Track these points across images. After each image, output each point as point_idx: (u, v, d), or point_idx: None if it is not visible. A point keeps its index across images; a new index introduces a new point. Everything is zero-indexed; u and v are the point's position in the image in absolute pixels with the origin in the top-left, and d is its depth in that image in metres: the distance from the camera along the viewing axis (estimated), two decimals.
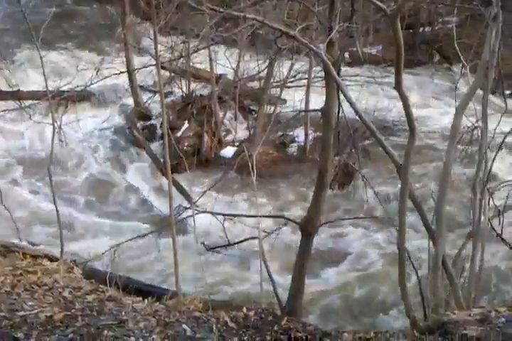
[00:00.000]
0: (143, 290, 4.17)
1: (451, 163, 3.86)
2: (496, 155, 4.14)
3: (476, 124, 4.38)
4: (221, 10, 5.15)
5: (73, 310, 2.71)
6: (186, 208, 5.48)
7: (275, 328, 2.56)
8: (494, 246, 6.13)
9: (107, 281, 3.53)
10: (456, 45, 5.19)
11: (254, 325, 2.59)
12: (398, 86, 3.72)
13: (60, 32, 12.22)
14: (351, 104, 4.38)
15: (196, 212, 5.38)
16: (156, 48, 4.37)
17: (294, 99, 9.66)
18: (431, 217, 3.69)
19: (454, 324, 2.58)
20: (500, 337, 2.38)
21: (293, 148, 9.29)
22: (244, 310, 2.74)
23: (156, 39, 4.42)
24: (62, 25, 12.43)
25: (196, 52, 8.95)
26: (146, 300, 2.84)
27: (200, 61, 10.10)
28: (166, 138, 4.19)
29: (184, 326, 2.52)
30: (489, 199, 5.23)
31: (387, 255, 6.00)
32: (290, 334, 2.53)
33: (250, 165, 4.06)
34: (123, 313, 2.64)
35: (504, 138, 4.31)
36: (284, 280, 5.27)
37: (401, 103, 3.68)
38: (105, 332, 2.48)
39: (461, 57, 4.89)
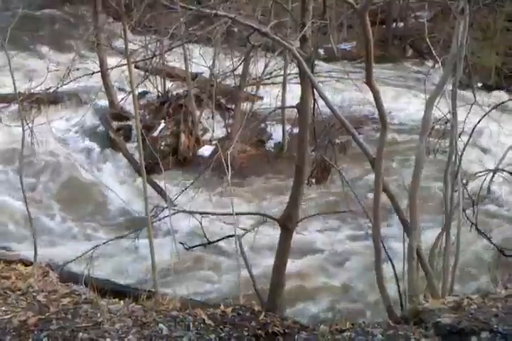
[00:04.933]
0: (120, 292, 4.13)
1: (423, 156, 3.92)
2: (465, 147, 4.21)
3: (446, 117, 4.46)
4: (192, 7, 5.12)
5: (47, 314, 2.67)
6: (164, 208, 5.44)
7: (253, 324, 2.57)
8: (470, 236, 6.28)
9: (84, 284, 3.49)
10: (427, 39, 5.29)
11: (232, 321, 2.59)
12: (369, 80, 3.76)
13: (30, 33, 12.00)
14: (325, 99, 4.40)
15: (173, 211, 5.35)
16: (126, 47, 4.31)
17: (270, 96, 9.69)
18: (405, 209, 3.74)
19: (428, 312, 2.63)
20: (472, 322, 2.43)
21: (270, 145, 9.31)
22: (222, 307, 2.74)
23: (126, 37, 4.36)
24: (32, 26, 12.20)
25: (170, 50, 8.87)
26: (122, 302, 2.81)
27: (174, 60, 10.04)
28: (139, 138, 4.15)
29: (161, 325, 2.51)
30: (463, 190, 5.35)
31: (364, 248, 6.07)
32: (267, 329, 2.54)
33: (225, 164, 4.04)
34: (98, 315, 2.61)
35: (473, 130, 4.39)
36: (265, 277, 5.28)
37: (381, 98, 3.72)
38: (80, 334, 2.45)
39: (433, 51, 4.97)
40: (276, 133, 9.43)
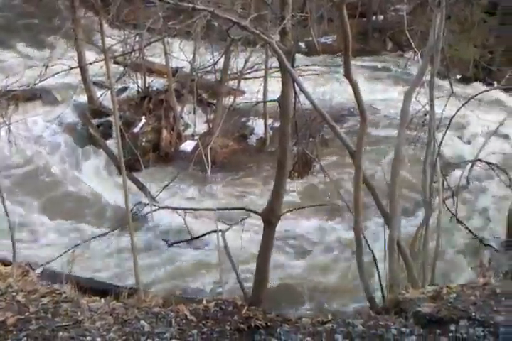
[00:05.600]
0: (102, 290, 4.10)
1: (402, 147, 3.96)
2: (443, 138, 4.26)
3: (424, 108, 4.50)
4: (170, 1, 5.06)
5: (27, 314, 2.63)
6: (146, 204, 5.40)
7: (235, 318, 2.57)
8: (451, 225, 6.38)
9: (64, 283, 3.44)
10: (407, 32, 5.32)
11: (214, 316, 2.58)
12: (347, 73, 3.77)
13: (5, 28, 11.73)
14: (305, 93, 4.40)
15: (155, 208, 5.32)
16: (103, 42, 4.26)
17: (252, 90, 9.66)
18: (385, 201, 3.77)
19: (409, 302, 2.66)
20: (451, 311, 2.46)
21: (253, 139, 9.28)
22: (204, 302, 2.73)
23: (102, 32, 4.31)
24: (7, 21, 11.93)
25: (149, 45, 8.77)
26: (103, 300, 2.79)
27: (154, 54, 9.92)
28: (118, 135, 4.11)
29: (142, 322, 2.50)
30: (443, 181, 5.42)
31: (346, 240, 6.11)
32: (250, 322, 2.54)
33: (205, 159, 4.03)
34: (79, 313, 2.58)
35: (450, 121, 4.44)
36: (249, 271, 5.29)
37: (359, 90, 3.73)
38: (60, 333, 2.43)
39: (412, 44, 5.01)
40: (259, 127, 9.41)
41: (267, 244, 5.13)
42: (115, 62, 10.42)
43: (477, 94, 4.72)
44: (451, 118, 4.41)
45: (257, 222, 5.49)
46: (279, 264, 5.84)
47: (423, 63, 4.13)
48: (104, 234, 5.34)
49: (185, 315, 2.56)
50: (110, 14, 6.98)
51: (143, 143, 8.57)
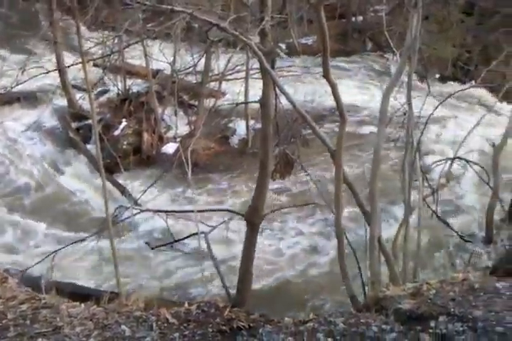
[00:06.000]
0: (83, 294, 4.05)
1: (381, 146, 4.00)
2: (421, 136, 4.32)
3: (403, 108, 4.55)
4: (147, 3, 5.03)
5: (5, 321, 2.58)
6: (127, 208, 5.35)
7: (217, 320, 2.55)
8: (432, 222, 6.46)
9: (45, 288, 3.39)
10: (386, 32, 5.38)
11: (196, 318, 2.57)
12: (326, 74, 3.80)
13: None
14: (284, 94, 4.43)
15: (137, 211, 5.28)
16: (80, 44, 4.21)
17: (234, 91, 9.65)
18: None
19: (389, 299, 2.67)
20: (431, 307, 2.49)
21: (235, 141, 9.28)
22: (186, 305, 2.72)
23: (79, 34, 4.27)
24: None
25: (128, 47, 8.72)
26: (83, 305, 2.75)
27: (134, 57, 9.87)
28: (97, 138, 4.07)
29: (123, 327, 2.47)
30: (423, 179, 5.49)
31: (328, 238, 6.15)
32: (232, 324, 2.54)
33: (185, 161, 4.01)
34: (58, 319, 2.55)
35: (427, 119, 4.51)
36: (232, 272, 5.28)
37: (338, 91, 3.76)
38: (39, 340, 2.39)
39: (391, 44, 5.07)
40: (241, 128, 9.41)
41: (251, 244, 5.13)
42: (95, 65, 10.32)
43: (453, 94, 4.81)
44: (429, 117, 4.48)
45: (241, 223, 5.49)
46: (261, 264, 5.84)
47: (400, 63, 4.18)
48: (85, 239, 5.27)
49: (167, 319, 2.54)
50: (88, 17, 6.90)
51: (124, 146, 8.50)
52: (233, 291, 4.89)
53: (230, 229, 6.23)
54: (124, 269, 5.51)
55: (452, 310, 2.41)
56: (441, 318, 2.38)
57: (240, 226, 5.58)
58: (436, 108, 4.57)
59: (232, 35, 4.63)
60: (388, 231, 5.44)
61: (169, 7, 4.67)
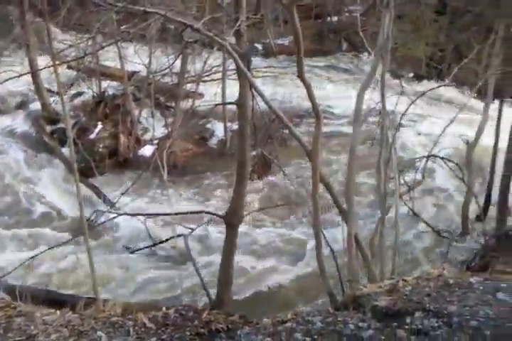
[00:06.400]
0: (59, 301, 3.98)
1: (356, 145, 4.04)
2: (395, 134, 4.37)
3: (378, 106, 4.60)
4: (119, 4, 4.97)
5: None
6: (104, 212, 5.28)
7: (195, 323, 2.54)
8: (409, 220, 6.55)
9: (20, 296, 3.33)
10: (360, 32, 5.44)
11: (174, 322, 2.54)
12: (300, 74, 3.81)
13: None
14: (260, 94, 4.43)
15: (115, 214, 5.22)
16: (50, 45, 4.14)
17: (211, 92, 9.62)
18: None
19: (366, 297, 2.69)
20: (407, 303, 2.52)
21: (213, 142, 9.25)
22: (164, 309, 2.69)
23: (50, 36, 4.21)
24: None
25: (102, 49, 8.59)
26: (58, 312, 2.70)
27: (109, 59, 9.75)
28: (71, 142, 4.01)
29: (99, 333, 2.43)
30: (399, 177, 5.56)
31: (307, 238, 6.17)
32: (211, 326, 2.52)
33: (160, 163, 3.98)
34: (32, 327, 2.50)
35: (401, 118, 4.56)
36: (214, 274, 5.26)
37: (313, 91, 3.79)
38: None
39: (366, 44, 5.12)
40: (219, 130, 9.39)
41: (231, 246, 5.12)
42: (69, 67, 10.17)
43: (425, 92, 4.89)
44: (402, 115, 4.54)
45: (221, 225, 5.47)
46: (242, 265, 5.83)
47: (374, 63, 4.23)
48: (61, 244, 5.18)
49: (144, 323, 2.50)
50: (59, 18, 6.80)
51: (100, 149, 8.39)
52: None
53: (210, 231, 6.23)
54: (102, 274, 5.44)
55: (427, 305, 2.45)
56: (417, 314, 2.41)
57: (220, 227, 5.55)
58: (410, 106, 4.64)
59: (207, 36, 4.61)
60: (366, 229, 5.50)
61: (142, 8, 4.64)
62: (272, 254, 6.35)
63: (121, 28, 8.16)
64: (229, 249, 5.10)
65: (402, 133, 8.30)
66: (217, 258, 5.28)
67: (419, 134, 8.92)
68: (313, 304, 4.91)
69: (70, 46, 6.93)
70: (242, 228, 4.96)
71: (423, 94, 4.82)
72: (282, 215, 6.80)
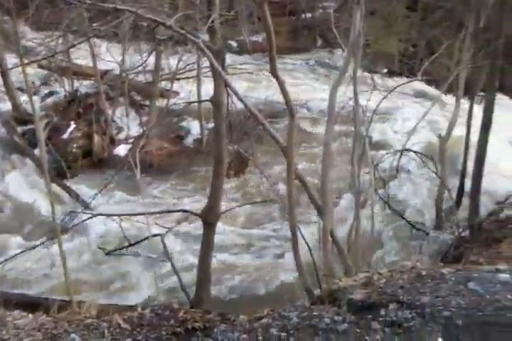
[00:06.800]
0: (33, 304, 3.91)
1: (330, 141, 4.07)
2: (368, 129, 4.42)
3: (351, 102, 4.65)
4: (88, 1, 4.89)
5: None
6: (78, 213, 5.20)
7: (171, 322, 2.52)
8: (385, 214, 6.64)
9: None
10: (334, 29, 5.47)
11: (150, 322, 2.53)
12: (274, 71, 3.82)
13: None
14: (234, 92, 4.42)
15: (89, 215, 5.15)
16: (17, 44, 4.06)
17: (187, 90, 9.56)
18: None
19: (342, 290, 2.72)
20: (381, 296, 2.56)
21: (189, 140, 9.20)
22: (139, 309, 2.67)
23: (17, 34, 4.12)
24: None
25: (74, 46, 8.44)
26: (30, 315, 2.65)
27: (81, 57, 9.59)
28: (42, 142, 3.94)
29: (73, 335, 2.40)
30: (374, 171, 5.64)
31: (284, 234, 6.20)
32: (187, 325, 2.51)
33: (133, 163, 3.94)
34: (4, 332, 2.44)
35: (373, 113, 4.62)
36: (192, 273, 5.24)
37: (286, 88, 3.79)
38: None
39: (339, 40, 5.16)
40: (195, 128, 9.33)
41: (208, 244, 5.11)
42: (40, 67, 9.96)
43: (396, 87, 4.96)
44: (374, 111, 4.59)
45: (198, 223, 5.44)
46: (221, 263, 5.83)
47: (346, 59, 4.26)
48: (35, 247, 5.08)
49: (119, 324, 2.48)
50: (28, 16, 6.65)
51: (74, 150, 8.25)
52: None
53: (188, 229, 6.20)
54: (77, 276, 5.37)
55: (401, 297, 2.48)
56: (391, 306, 2.44)
57: (198, 226, 5.53)
58: (381, 101, 4.70)
59: (179, 33, 4.58)
60: (343, 224, 5.56)
61: (112, 6, 4.57)
62: (251, 251, 6.36)
63: (93, 25, 8.02)
64: (206, 247, 5.09)
65: (376, 128, 8.42)
66: (195, 257, 5.25)
67: (394, 129, 9.05)
68: (293, 299, 4.93)
69: (40, 45, 6.79)
70: (219, 225, 4.93)
71: (393, 89, 4.90)
72: (260, 212, 6.82)
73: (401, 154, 6.75)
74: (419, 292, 2.53)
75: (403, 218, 6.62)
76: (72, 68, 9.40)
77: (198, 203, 6.81)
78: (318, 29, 13.97)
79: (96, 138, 8.47)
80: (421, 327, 2.27)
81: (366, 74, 5.10)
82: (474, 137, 6.12)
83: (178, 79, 9.96)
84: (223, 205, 5.17)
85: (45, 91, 9.62)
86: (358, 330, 2.30)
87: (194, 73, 9.57)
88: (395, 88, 4.96)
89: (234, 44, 13.29)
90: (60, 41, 8.52)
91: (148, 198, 7.32)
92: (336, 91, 4.05)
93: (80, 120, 8.75)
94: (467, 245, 5.43)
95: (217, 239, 5.09)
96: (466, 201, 6.26)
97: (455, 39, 7.58)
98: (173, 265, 4.95)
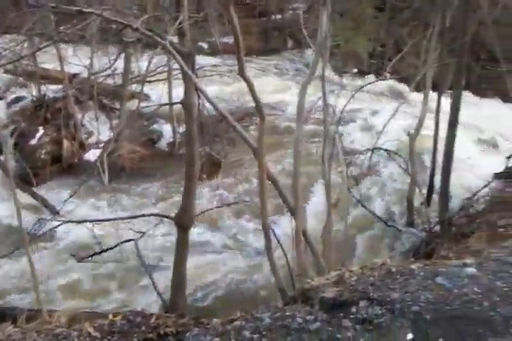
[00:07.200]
0: (1, 314, 3.80)
1: (301, 141, 4.09)
2: (337, 128, 4.46)
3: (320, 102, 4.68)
4: (52, 4, 4.81)
5: None
6: (47, 220, 5.09)
7: (143, 328, 2.49)
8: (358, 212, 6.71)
9: None
10: (303, 30, 5.51)
11: (121, 329, 2.48)
12: (241, 72, 3.83)
13: None
14: (204, 94, 4.40)
15: (59, 223, 5.04)
16: None
17: (158, 93, 9.48)
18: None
19: (314, 289, 2.73)
20: (352, 293, 2.58)
21: (162, 143, 9.12)
22: (110, 316, 2.62)
23: None
24: None
25: (40, 50, 8.27)
26: None
27: (48, 61, 9.39)
28: (7, 147, 3.84)
29: None
30: (347, 170, 5.70)
31: (256, 235, 6.20)
32: (159, 331, 2.48)
33: (101, 167, 3.88)
34: None
35: (341, 112, 4.66)
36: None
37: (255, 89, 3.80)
38: None
39: (308, 41, 5.20)
40: (167, 131, 9.26)
41: (182, 247, 5.06)
42: (5, 71, 9.71)
43: (362, 87, 5.03)
44: (343, 110, 4.64)
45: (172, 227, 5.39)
46: (196, 266, 5.78)
47: (313, 60, 4.30)
48: (1, 257, 4.94)
49: (89, 333, 2.43)
50: None
51: (42, 155, 8.07)
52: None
53: (163, 234, 6.14)
54: (49, 284, 5.26)
55: (371, 294, 2.50)
56: (361, 303, 2.46)
57: (171, 229, 5.48)
58: (349, 101, 4.75)
59: (146, 35, 4.54)
60: (317, 223, 5.59)
61: (76, 8, 4.50)
62: (226, 253, 6.34)
63: (60, 28, 7.87)
64: (181, 251, 5.05)
65: (348, 127, 8.52)
66: (170, 261, 5.20)
67: (365, 128, 9.16)
68: (268, 300, 4.94)
69: (5, 49, 6.62)
70: (193, 228, 4.89)
71: (360, 89, 4.98)
72: (234, 214, 6.80)
73: (372, 152, 6.84)
74: (389, 288, 2.55)
75: (375, 215, 6.70)
76: (39, 72, 9.21)
77: (172, 206, 6.75)
78: (288, 30, 14.06)
79: (65, 143, 8.31)
80: (391, 322, 2.29)
81: (333, 74, 5.15)
82: (443, 134, 6.24)
83: (149, 81, 9.87)
84: (197, 208, 5.13)
85: (11, 96, 9.39)
86: (330, 328, 2.31)
87: (165, 75, 9.50)
88: (361, 88, 5.04)
89: (205, 46, 13.26)
90: (26, 45, 8.34)
91: (121, 203, 7.21)
92: (306, 91, 4.08)
93: (49, 125, 8.57)
94: (438, 240, 5.53)
95: (192, 241, 5.05)
96: (436, 197, 6.38)
97: (421, 38, 7.73)
98: (147, 270, 4.89)
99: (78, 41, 9.45)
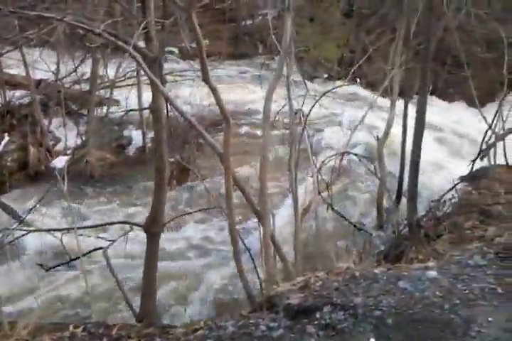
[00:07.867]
0: None
1: (267, 146, 4.10)
2: (302, 134, 4.49)
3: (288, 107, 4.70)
4: (11, 9, 4.69)
5: None
6: (13, 229, 4.95)
7: (104, 340, 2.44)
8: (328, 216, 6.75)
9: None
10: (273, 35, 5.53)
11: None
12: (205, 78, 3.82)
13: None
14: (169, 100, 4.37)
15: (25, 232, 4.91)
16: None
17: (128, 98, 9.37)
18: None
19: (280, 295, 2.73)
20: (317, 299, 2.58)
21: (132, 150, 9.01)
22: (71, 328, 2.56)
23: None
24: None
25: (2, 55, 8.08)
26: None
27: (12, 66, 9.18)
28: None
29: None
30: (318, 175, 5.73)
31: (225, 241, 6.18)
32: None
33: (59, 176, 3.80)
34: None
35: (306, 117, 4.69)
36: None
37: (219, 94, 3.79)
38: None
39: (278, 47, 5.22)
40: (137, 136, 9.15)
41: (152, 255, 4.99)
42: None
43: (327, 92, 5.10)
44: (308, 114, 4.67)
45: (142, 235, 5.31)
46: (166, 273, 5.72)
47: (278, 65, 4.32)
48: None
49: None
50: None
51: (8, 163, 7.88)
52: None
53: (133, 241, 6.03)
54: (13, 295, 5.10)
55: (335, 299, 2.52)
56: (325, 309, 2.47)
57: (141, 237, 5.39)
58: (314, 105, 4.80)
59: (108, 40, 4.47)
60: (287, 228, 5.60)
61: (34, 13, 4.40)
62: (196, 259, 6.29)
63: (25, 33, 7.70)
64: (151, 258, 4.98)
65: (317, 132, 8.59)
66: (140, 269, 5.12)
67: (334, 132, 9.25)
68: (239, 306, 4.92)
69: None
70: (162, 235, 4.83)
71: (324, 94, 5.04)
72: (203, 220, 6.76)
73: (342, 157, 6.90)
74: (352, 293, 2.58)
75: (346, 219, 6.76)
76: (4, 78, 8.99)
77: (142, 214, 6.66)
78: (259, 35, 14.13)
79: (32, 150, 8.12)
80: (353, 327, 2.31)
81: (301, 79, 5.19)
82: (411, 138, 6.34)
83: (118, 86, 9.74)
84: (166, 215, 5.07)
85: None
86: (293, 335, 2.31)
87: (135, 80, 9.39)
88: (325, 93, 5.10)
89: (176, 50, 13.19)
90: None
91: (91, 210, 7.07)
92: (272, 95, 4.09)
93: (14, 132, 8.38)
94: (407, 243, 5.58)
95: (161, 249, 4.98)
96: (405, 200, 6.46)
97: (388, 43, 7.87)
98: (116, 278, 4.80)
99: (44, 46, 9.28)
